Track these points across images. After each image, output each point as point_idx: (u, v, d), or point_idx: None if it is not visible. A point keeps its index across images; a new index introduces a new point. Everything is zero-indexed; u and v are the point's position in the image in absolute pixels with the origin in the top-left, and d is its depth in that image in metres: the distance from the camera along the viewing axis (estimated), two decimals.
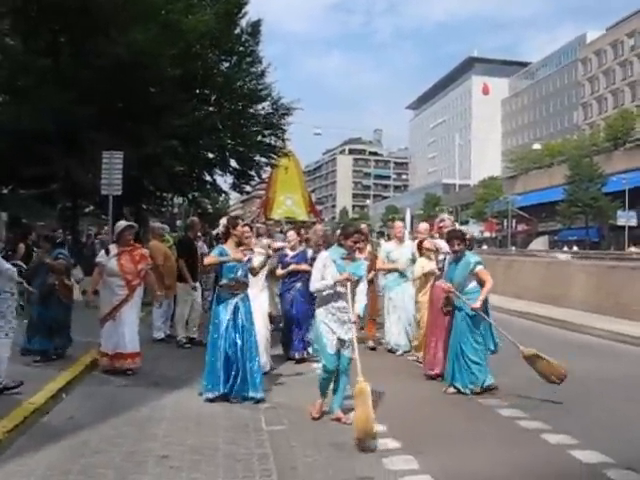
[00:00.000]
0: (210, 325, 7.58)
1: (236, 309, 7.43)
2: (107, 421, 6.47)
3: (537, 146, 69.02)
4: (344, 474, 5.25)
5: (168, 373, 9.05)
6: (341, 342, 6.63)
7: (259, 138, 21.88)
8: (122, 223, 9.35)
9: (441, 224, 9.84)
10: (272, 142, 22.09)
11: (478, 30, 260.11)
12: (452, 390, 7.96)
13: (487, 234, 76.26)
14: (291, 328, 9.94)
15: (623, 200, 49.85)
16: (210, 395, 7.23)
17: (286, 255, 10.10)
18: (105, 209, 20.77)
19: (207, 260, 7.90)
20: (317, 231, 11.72)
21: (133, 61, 16.55)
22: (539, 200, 65.47)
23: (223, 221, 8.26)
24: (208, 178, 22.26)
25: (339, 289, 6.62)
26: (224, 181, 23.11)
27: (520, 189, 71.34)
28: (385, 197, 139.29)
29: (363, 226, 12.91)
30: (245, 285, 7.60)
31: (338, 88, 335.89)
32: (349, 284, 6.59)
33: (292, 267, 9.97)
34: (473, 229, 67.19)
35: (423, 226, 10.78)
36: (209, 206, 41.37)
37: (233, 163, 21.93)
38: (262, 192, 28.21)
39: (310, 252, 10.10)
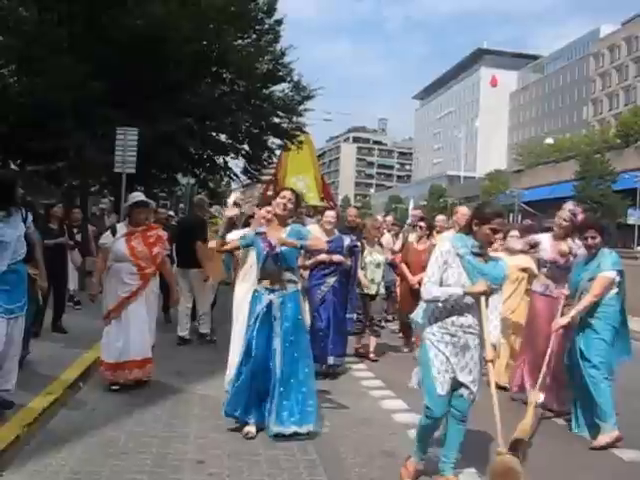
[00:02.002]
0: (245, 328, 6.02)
1: (269, 311, 5.66)
2: (131, 416, 5.97)
3: (550, 140, 68.24)
4: None
5: (190, 362, 8.55)
6: (459, 384, 4.59)
7: (275, 120, 21.24)
8: (135, 194, 7.62)
9: (559, 212, 7.35)
10: (288, 126, 21.45)
11: (488, 22, 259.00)
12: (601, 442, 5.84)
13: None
14: (317, 335, 7.79)
15: (634, 198, 49.26)
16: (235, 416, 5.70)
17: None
18: (113, 188, 20.29)
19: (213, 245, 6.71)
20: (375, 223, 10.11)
21: (150, 34, 15.93)
22: (546, 195, 64.67)
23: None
24: (220, 160, 21.66)
25: (466, 300, 4.53)
26: (235, 164, 22.51)
27: (526, 183, 70.61)
28: (388, 187, 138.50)
29: (416, 212, 12.26)
30: (283, 278, 5.72)
31: (345, 76, 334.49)
32: (485, 314, 4.50)
33: (323, 257, 7.91)
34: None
35: (464, 210, 9.48)
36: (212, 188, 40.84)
37: (246, 146, 21.31)
38: (265, 177, 27.35)
39: (347, 240, 8.32)
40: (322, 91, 21.31)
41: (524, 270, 7.91)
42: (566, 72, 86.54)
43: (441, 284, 4.55)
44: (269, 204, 7.54)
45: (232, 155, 21.45)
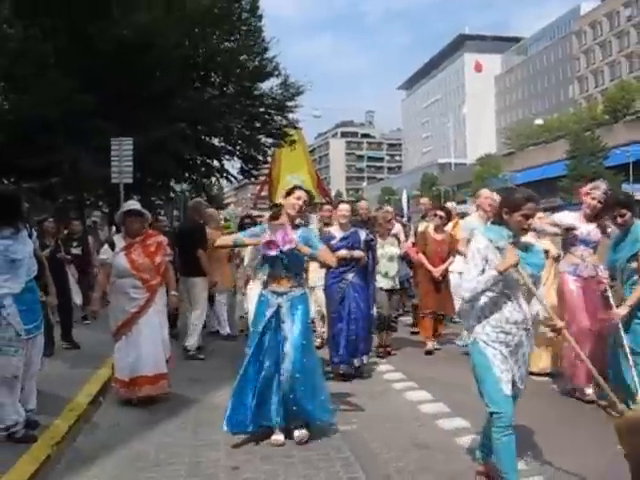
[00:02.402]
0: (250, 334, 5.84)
1: (277, 316, 5.43)
2: (156, 427, 5.89)
3: (539, 121, 68.24)
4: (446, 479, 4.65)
5: (202, 370, 8.48)
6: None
7: (267, 118, 21.21)
8: (129, 203, 7.29)
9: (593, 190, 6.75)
10: (280, 123, 21.41)
11: (468, 7, 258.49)
12: None
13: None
14: (340, 335, 7.67)
15: (627, 173, 49.28)
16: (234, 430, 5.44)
17: (332, 237, 7.71)
18: (110, 199, 20.17)
19: (218, 242, 6.08)
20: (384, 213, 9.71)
21: (137, 43, 15.93)
22: (538, 176, 64.71)
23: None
24: (216, 164, 21.61)
25: (509, 286, 4.17)
26: (232, 166, 22.47)
27: (518, 166, 70.58)
28: (379, 179, 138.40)
29: (424, 200, 11.83)
30: (291, 281, 5.48)
31: (328, 71, 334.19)
32: (530, 283, 4.14)
33: (342, 253, 7.48)
34: (471, 208, 66.52)
35: (486, 193, 8.87)
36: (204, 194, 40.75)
37: (240, 148, 21.27)
38: (261, 177, 27.16)
39: (363, 234, 7.90)
40: (308, 87, 21.31)
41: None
42: (549, 52, 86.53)
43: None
44: (275, 206, 7.49)
45: (227, 157, 21.41)
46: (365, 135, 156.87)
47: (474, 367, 4.22)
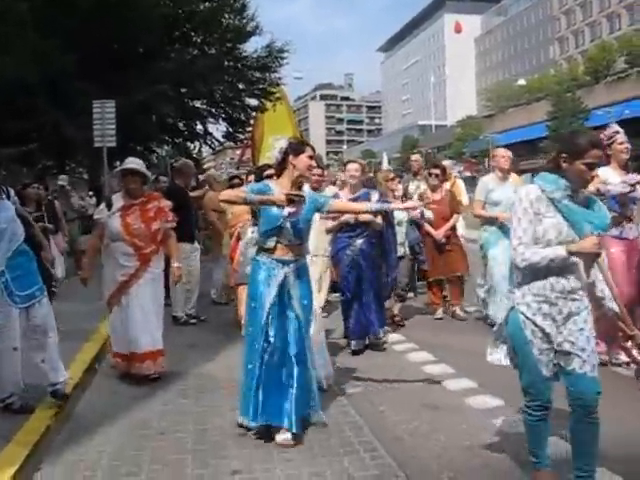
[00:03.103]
0: (246, 312, 4.90)
1: (284, 288, 4.66)
2: (156, 395, 5.74)
3: (522, 82, 67.96)
4: (459, 440, 4.57)
5: (201, 332, 8.38)
6: (564, 357, 3.57)
7: (251, 79, 20.84)
8: (130, 160, 6.49)
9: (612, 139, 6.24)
10: (264, 85, 21.02)
11: None
12: None
13: (467, 174, 75.70)
14: (350, 305, 7.15)
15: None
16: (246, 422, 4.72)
17: (339, 198, 6.71)
18: (92, 165, 19.79)
19: (224, 195, 4.96)
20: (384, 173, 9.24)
21: (117, 1, 15.45)
22: (520, 138, 64.70)
23: (282, 144, 4.89)
24: (200, 127, 21.24)
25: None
26: (216, 129, 22.11)
27: (499, 127, 70.48)
28: (359, 142, 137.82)
29: (415, 157, 10.31)
30: (299, 249, 4.75)
31: (307, 34, 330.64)
32: (609, 278, 3.68)
33: (346, 217, 6.80)
34: (453, 169, 66.42)
35: (502, 152, 8.37)
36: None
37: (224, 110, 20.92)
38: (241, 144, 26.62)
39: (376, 195, 7.05)
40: (291, 49, 20.92)
41: None
42: (530, 13, 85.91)
43: (536, 242, 3.51)
44: (261, 170, 6.88)
45: (211, 120, 21.06)
46: (344, 98, 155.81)
47: (511, 337, 3.73)
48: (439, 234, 8.69)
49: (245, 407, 4.68)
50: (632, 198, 6.07)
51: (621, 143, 6.15)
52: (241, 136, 22.76)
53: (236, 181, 10.15)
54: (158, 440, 4.66)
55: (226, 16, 20.34)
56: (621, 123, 31.84)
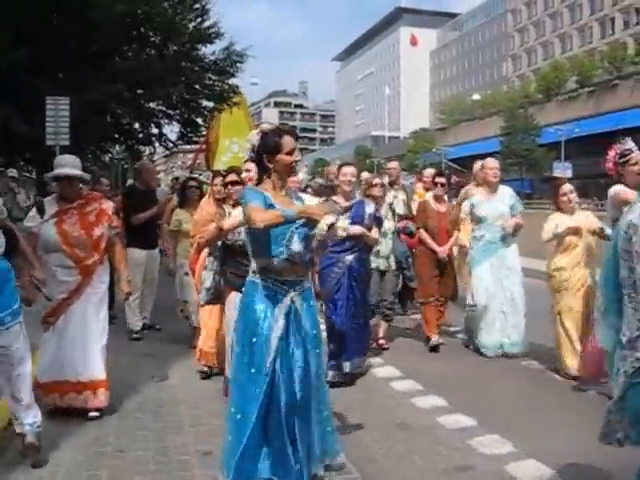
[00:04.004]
0: (233, 349, 3.87)
1: (290, 317, 3.65)
2: (112, 408, 5.35)
3: (477, 96, 68.98)
4: (435, 462, 4.39)
5: (159, 341, 8.04)
6: None
7: (208, 83, 20.47)
8: (61, 160, 5.34)
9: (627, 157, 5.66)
10: (221, 88, 20.67)
11: None
12: None
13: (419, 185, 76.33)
14: (331, 331, 6.20)
15: (558, 151, 50.27)
16: None
17: None
18: (42, 164, 19.16)
19: (264, 220, 3.48)
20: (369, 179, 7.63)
21: None
22: (472, 152, 65.44)
23: (253, 139, 3.82)
24: (155, 130, 20.78)
25: None
26: (170, 130, 21.64)
27: (452, 141, 71.37)
28: (312, 150, 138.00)
29: (393, 164, 9.22)
30: (304, 266, 3.75)
31: (263, 40, 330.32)
32: None
33: (356, 229, 6.15)
34: (405, 181, 66.92)
35: (492, 162, 7.68)
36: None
37: (180, 112, 20.51)
38: (187, 146, 26.03)
39: (371, 207, 6.37)
40: (250, 55, 20.60)
41: (593, 233, 6.22)
42: (485, 29, 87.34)
43: None
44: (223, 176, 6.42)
45: (167, 121, 20.61)
46: (298, 106, 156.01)
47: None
48: (443, 251, 7.70)
49: (228, 465, 3.64)
50: None
51: (635, 163, 5.56)
52: (196, 138, 22.34)
53: (192, 183, 8.83)
54: (116, 458, 4.35)
55: (186, 18, 19.96)
56: (571, 141, 32.67)
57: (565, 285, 6.27)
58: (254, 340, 3.60)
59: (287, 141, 3.69)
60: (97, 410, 5.12)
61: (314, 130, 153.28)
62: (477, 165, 8.68)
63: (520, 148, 52.59)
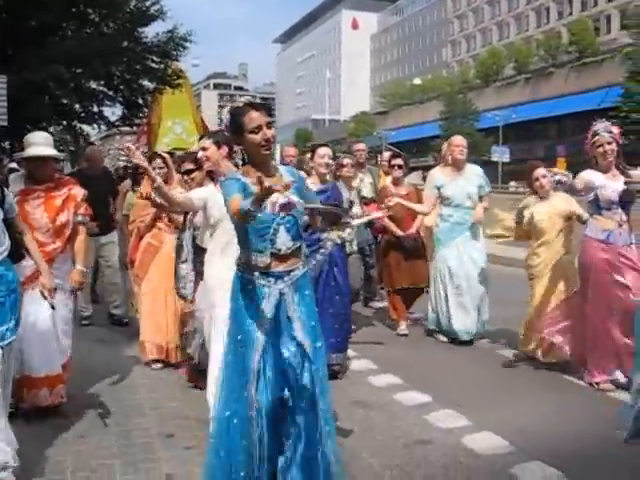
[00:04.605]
0: (225, 348, 3.44)
1: (280, 311, 3.30)
2: (68, 393, 5.31)
3: (417, 81, 69.59)
4: (396, 437, 4.52)
5: (110, 326, 8.01)
6: None
7: (150, 64, 20.09)
8: (35, 140, 4.93)
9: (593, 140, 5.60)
10: (164, 71, 20.32)
11: None
12: None
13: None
14: None
15: (496, 136, 51.25)
16: None
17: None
18: None
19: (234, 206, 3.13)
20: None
21: None
22: (412, 136, 66.38)
23: (224, 117, 3.52)
24: (95, 109, 20.30)
25: None
26: (112, 112, 21.17)
27: (392, 124, 71.96)
28: None
29: (361, 146, 8.93)
30: (296, 254, 3.38)
31: (203, 20, 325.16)
32: None
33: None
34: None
35: (459, 139, 7.35)
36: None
37: (122, 93, 20.08)
38: (125, 128, 25.48)
39: (345, 191, 6.15)
40: (194, 38, 20.31)
41: (569, 218, 6.10)
42: (425, 14, 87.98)
43: None
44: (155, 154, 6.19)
45: (108, 103, 20.17)
46: (238, 88, 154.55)
47: None
48: (408, 235, 7.49)
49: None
50: (614, 201, 5.47)
51: (599, 145, 5.53)
52: (138, 120, 21.96)
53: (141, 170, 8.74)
54: (79, 444, 4.35)
55: None
56: (508, 126, 33.43)
57: (539, 271, 6.15)
58: (239, 338, 3.30)
59: (251, 118, 3.28)
60: (56, 402, 4.86)
61: None
62: (445, 145, 8.30)
63: (459, 132, 53.29)
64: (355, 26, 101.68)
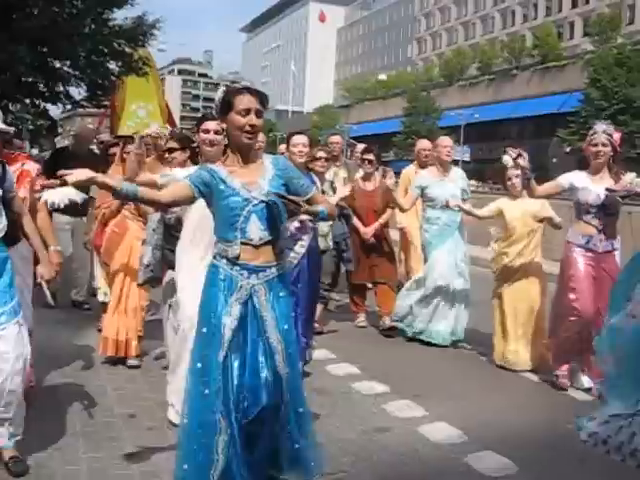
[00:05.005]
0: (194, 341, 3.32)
1: (250, 308, 3.17)
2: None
3: (382, 76, 69.90)
4: (354, 425, 4.64)
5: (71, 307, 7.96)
6: None
7: (117, 48, 19.87)
8: None
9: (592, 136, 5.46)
10: (131, 56, 20.11)
11: None
12: None
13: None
14: None
15: (457, 135, 51.79)
16: None
17: None
18: None
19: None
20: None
21: None
22: (374, 131, 66.65)
23: (218, 94, 3.28)
24: (61, 89, 20.02)
25: None
26: (78, 93, 20.90)
27: (355, 119, 72.19)
28: None
29: (336, 138, 8.56)
30: (272, 248, 3.23)
31: (170, 5, 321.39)
32: None
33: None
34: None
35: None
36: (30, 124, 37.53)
37: (87, 74, 19.83)
38: (92, 109, 25.14)
39: (318, 181, 5.77)
40: (161, 24, 20.12)
41: (540, 220, 6.11)
42: (392, 11, 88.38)
43: None
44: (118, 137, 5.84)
45: (74, 83, 19.91)
46: (202, 75, 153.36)
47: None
48: (368, 231, 7.36)
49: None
50: (596, 206, 5.32)
51: (594, 145, 5.40)
52: (103, 102, 21.72)
53: (114, 150, 6.98)
54: (42, 422, 4.35)
55: None
56: (470, 126, 33.78)
57: (505, 271, 6.15)
58: (204, 330, 3.17)
59: (242, 99, 3.16)
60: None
61: None
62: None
63: (421, 129, 53.85)
64: (322, 19, 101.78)
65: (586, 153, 5.51)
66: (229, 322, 3.12)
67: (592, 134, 5.42)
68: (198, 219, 4.01)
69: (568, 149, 42.93)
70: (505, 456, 4.16)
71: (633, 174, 5.37)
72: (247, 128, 3.13)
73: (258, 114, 3.16)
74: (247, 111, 3.14)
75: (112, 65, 20.18)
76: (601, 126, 5.44)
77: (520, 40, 59.16)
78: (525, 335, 6.10)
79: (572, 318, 5.34)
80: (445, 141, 7.20)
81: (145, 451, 3.97)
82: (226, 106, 3.17)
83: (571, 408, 4.96)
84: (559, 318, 5.54)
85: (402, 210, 7.38)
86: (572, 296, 5.36)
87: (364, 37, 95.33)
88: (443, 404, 5.10)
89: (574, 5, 61.34)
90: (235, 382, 3.08)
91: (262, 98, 3.22)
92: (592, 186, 5.34)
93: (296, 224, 3.65)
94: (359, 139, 69.45)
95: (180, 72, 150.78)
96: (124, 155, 5.78)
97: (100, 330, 6.07)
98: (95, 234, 6.30)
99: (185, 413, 3.19)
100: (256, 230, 3.17)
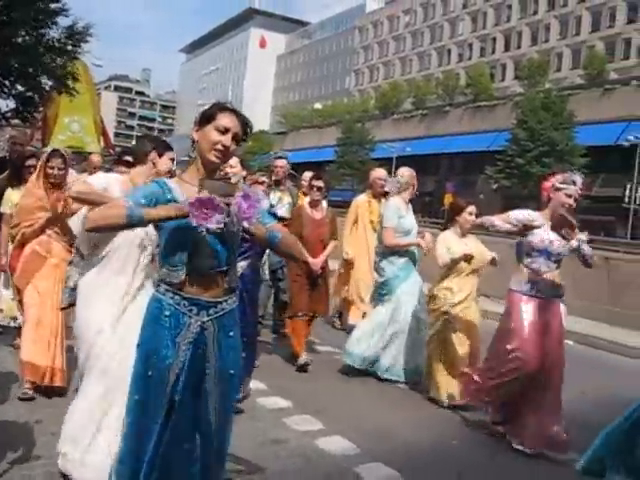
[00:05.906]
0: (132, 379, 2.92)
1: (197, 348, 2.83)
2: None
3: (318, 105, 70.75)
4: (254, 437, 4.80)
5: None
6: None
7: (48, 62, 19.68)
8: None
9: (566, 185, 5.13)
10: (63, 70, 19.94)
11: None
12: None
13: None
14: None
15: (389, 167, 52.76)
16: None
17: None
18: None
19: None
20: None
21: None
22: (308, 159, 67.11)
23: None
24: None
25: None
26: (5, 105, 20.57)
27: (290, 145, 72.65)
28: None
29: (282, 162, 8.07)
30: (224, 281, 2.88)
31: (111, 21, 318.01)
32: None
33: None
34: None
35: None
36: None
37: (18, 87, 19.56)
38: (16, 121, 24.66)
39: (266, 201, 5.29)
40: (94, 36, 20.02)
41: (491, 262, 6.03)
42: (332, 42, 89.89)
43: None
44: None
45: (3, 97, 19.60)
46: (139, 93, 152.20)
47: None
48: (317, 263, 6.87)
49: None
50: (546, 251, 5.12)
51: (569, 196, 5.08)
52: (32, 116, 21.39)
53: (31, 162, 6.52)
54: None
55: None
56: (402, 158, 34.56)
57: (449, 308, 6.00)
58: (149, 374, 2.82)
59: (225, 117, 2.89)
60: None
61: (153, 119, 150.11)
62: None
63: (354, 160, 54.72)
64: (263, 44, 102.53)
65: (552, 197, 5.15)
66: (175, 364, 2.79)
67: (570, 183, 5.08)
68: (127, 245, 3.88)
69: (495, 186, 44.33)
70: (393, 468, 4.46)
71: (585, 233, 5.10)
72: (219, 147, 2.85)
73: (235, 137, 2.89)
74: (226, 130, 2.87)
75: (44, 79, 20.03)
76: (579, 179, 5.12)
77: (454, 78, 60.90)
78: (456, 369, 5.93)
79: (512, 365, 5.07)
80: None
81: (51, 454, 4.02)
82: (206, 118, 2.91)
83: (460, 426, 5.30)
84: (498, 360, 5.22)
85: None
86: (515, 345, 5.06)
87: (303, 65, 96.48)
88: (341, 419, 5.37)
89: (507, 48, 63.75)
90: (176, 420, 2.79)
91: (246, 127, 2.96)
92: (552, 233, 5.12)
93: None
94: (293, 166, 69.83)
95: (117, 88, 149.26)
96: (48, 170, 5.34)
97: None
98: (12, 255, 5.73)
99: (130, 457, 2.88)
100: (207, 259, 2.83)
